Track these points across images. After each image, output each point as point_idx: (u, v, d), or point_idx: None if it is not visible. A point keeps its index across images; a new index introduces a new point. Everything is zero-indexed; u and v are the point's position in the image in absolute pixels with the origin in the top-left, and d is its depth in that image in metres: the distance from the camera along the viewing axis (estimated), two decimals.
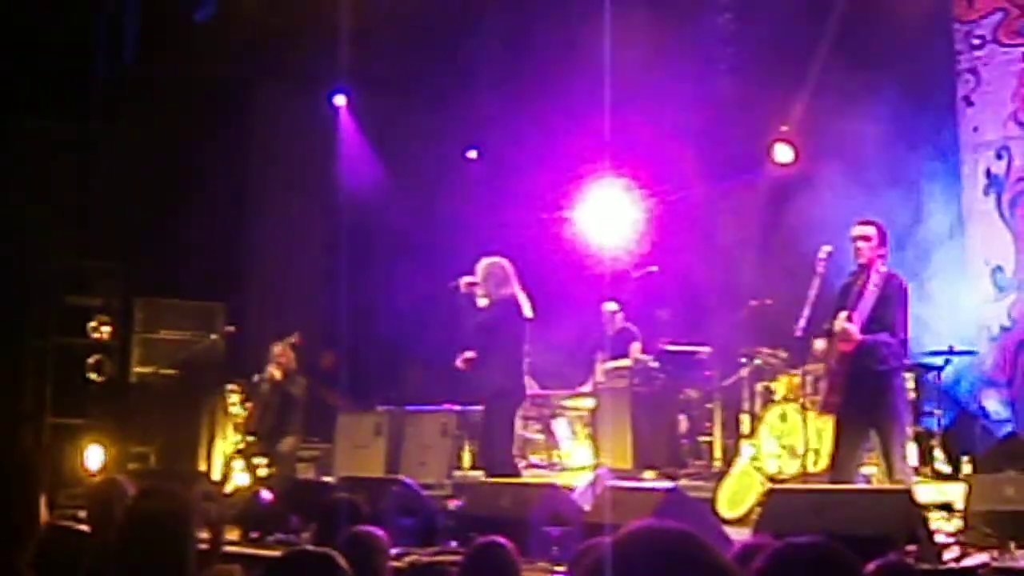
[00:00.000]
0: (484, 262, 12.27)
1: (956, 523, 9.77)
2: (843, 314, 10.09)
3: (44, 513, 4.06)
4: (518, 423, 12.75)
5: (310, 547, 5.51)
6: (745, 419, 13.26)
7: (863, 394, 10.05)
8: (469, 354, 12.21)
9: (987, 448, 12.49)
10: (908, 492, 8.70)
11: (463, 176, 19.09)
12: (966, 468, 11.87)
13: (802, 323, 10.44)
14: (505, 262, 12.23)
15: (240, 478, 14.56)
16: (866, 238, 10.21)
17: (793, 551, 3.03)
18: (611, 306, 15.38)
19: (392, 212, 17.52)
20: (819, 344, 10.41)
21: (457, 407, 14.79)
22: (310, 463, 15.87)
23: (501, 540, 5.82)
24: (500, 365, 12.05)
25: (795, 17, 14.91)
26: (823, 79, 14.98)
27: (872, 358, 10.04)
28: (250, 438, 14.96)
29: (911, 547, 7.85)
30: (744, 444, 12.76)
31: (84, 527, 7.49)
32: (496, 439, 12.14)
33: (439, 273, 13.80)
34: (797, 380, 12.42)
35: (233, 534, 10.33)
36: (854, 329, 9.99)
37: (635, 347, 15.07)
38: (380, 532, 6.07)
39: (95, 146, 16.83)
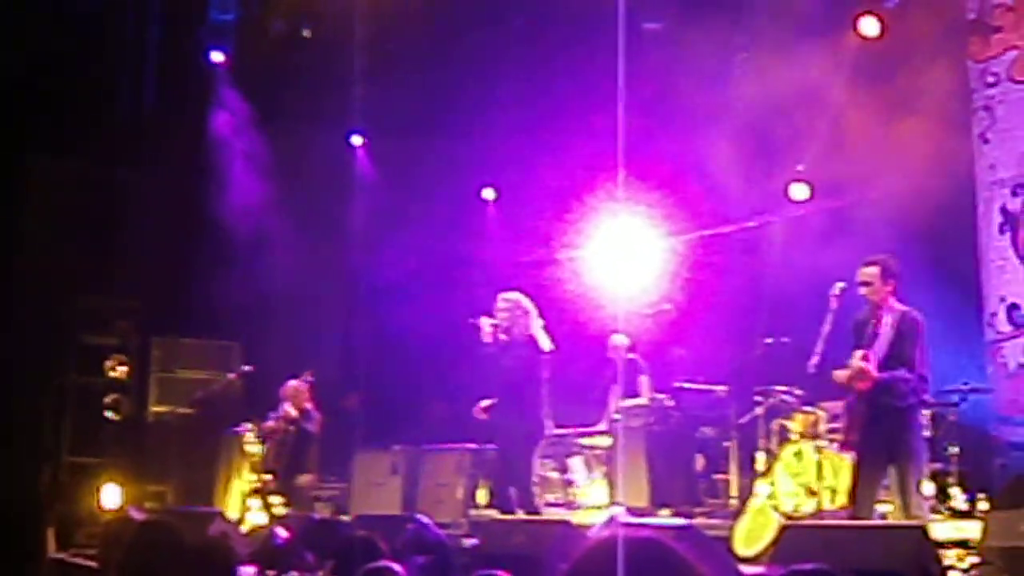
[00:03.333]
0: (504, 297, 12.36)
1: (972, 560, 9.74)
2: (859, 353, 10.09)
3: (51, 547, 4.08)
4: (535, 462, 12.80)
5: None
6: (761, 457, 13.23)
7: (882, 431, 10.04)
8: (486, 403, 12.35)
9: (1004, 485, 12.44)
10: (921, 528, 8.67)
11: (480, 215, 19.13)
12: (983, 505, 11.82)
13: (815, 359, 10.45)
14: (524, 297, 12.32)
15: (257, 517, 14.56)
16: (866, 283, 10.23)
17: None
18: (620, 339, 15.36)
19: (409, 250, 17.55)
20: (839, 373, 10.35)
21: (473, 445, 14.79)
22: (327, 502, 15.88)
23: (501, 574, 5.80)
24: (522, 404, 12.13)
25: (810, 58, 14.95)
26: (838, 118, 15.02)
27: (890, 395, 10.04)
28: (266, 476, 14.97)
29: None
30: (760, 482, 12.72)
31: (94, 564, 7.50)
32: (518, 477, 12.24)
33: (455, 312, 13.86)
34: (813, 418, 12.41)
35: (250, 572, 10.32)
36: (871, 367, 9.99)
37: (644, 380, 15.04)
38: (398, 568, 6.04)
39: (114, 187, 16.92)
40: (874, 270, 10.23)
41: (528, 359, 12.22)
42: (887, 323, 10.10)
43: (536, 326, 12.34)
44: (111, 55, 16.69)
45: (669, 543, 2.55)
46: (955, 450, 12.46)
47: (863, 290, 10.23)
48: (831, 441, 11.99)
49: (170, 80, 17.06)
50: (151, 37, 16.96)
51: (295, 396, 15.01)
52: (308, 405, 15.08)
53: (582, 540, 8.66)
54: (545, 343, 12.26)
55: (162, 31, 17.03)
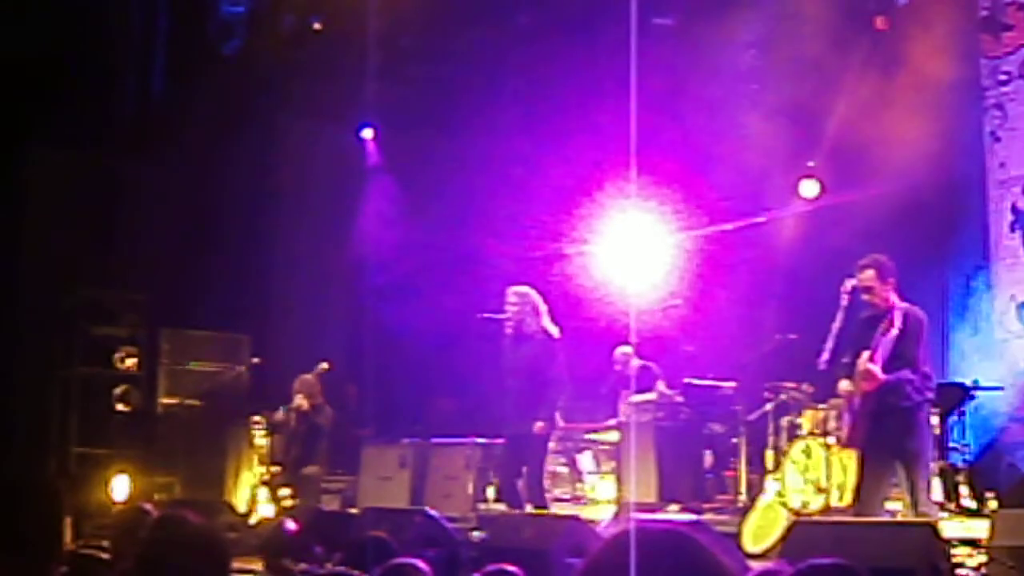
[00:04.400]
0: (514, 291, 12.38)
1: (980, 558, 9.73)
2: (865, 354, 10.06)
3: (68, 538, 4.07)
4: (547, 456, 12.85)
5: None
6: (770, 454, 13.20)
7: (888, 430, 10.02)
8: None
9: (1012, 484, 12.44)
10: (931, 525, 8.67)
11: (489, 209, 19.10)
12: (991, 504, 11.82)
13: (825, 356, 10.43)
14: (533, 291, 12.35)
15: (265, 509, 14.59)
16: (867, 288, 10.18)
17: (814, 572, 3.02)
18: (625, 349, 15.36)
19: (418, 245, 17.55)
20: (844, 384, 10.35)
21: (482, 440, 14.79)
22: (335, 495, 15.88)
23: (511, 568, 5.76)
24: (537, 399, 12.17)
25: (821, 54, 14.93)
26: (849, 114, 15.00)
27: (896, 395, 10.00)
28: (275, 468, 14.99)
29: None
30: (769, 479, 12.71)
31: (107, 556, 7.49)
32: (531, 471, 12.29)
33: (464, 306, 13.86)
34: (822, 415, 12.39)
35: (258, 564, 10.34)
36: (877, 369, 9.95)
37: (660, 385, 15.02)
38: (423, 566, 5.98)
39: (122, 178, 16.91)
40: (870, 273, 10.17)
41: (542, 353, 12.25)
42: (892, 323, 10.07)
43: (547, 319, 12.38)
44: (120, 44, 16.69)
45: (693, 535, 2.54)
46: (964, 448, 12.46)
47: (866, 296, 10.19)
48: (839, 438, 11.97)
49: (178, 70, 17.04)
50: (160, 26, 16.94)
51: (308, 389, 15.01)
52: (320, 399, 15.09)
53: (591, 535, 8.71)
54: (554, 331, 12.34)
55: (171, 20, 17.01)
